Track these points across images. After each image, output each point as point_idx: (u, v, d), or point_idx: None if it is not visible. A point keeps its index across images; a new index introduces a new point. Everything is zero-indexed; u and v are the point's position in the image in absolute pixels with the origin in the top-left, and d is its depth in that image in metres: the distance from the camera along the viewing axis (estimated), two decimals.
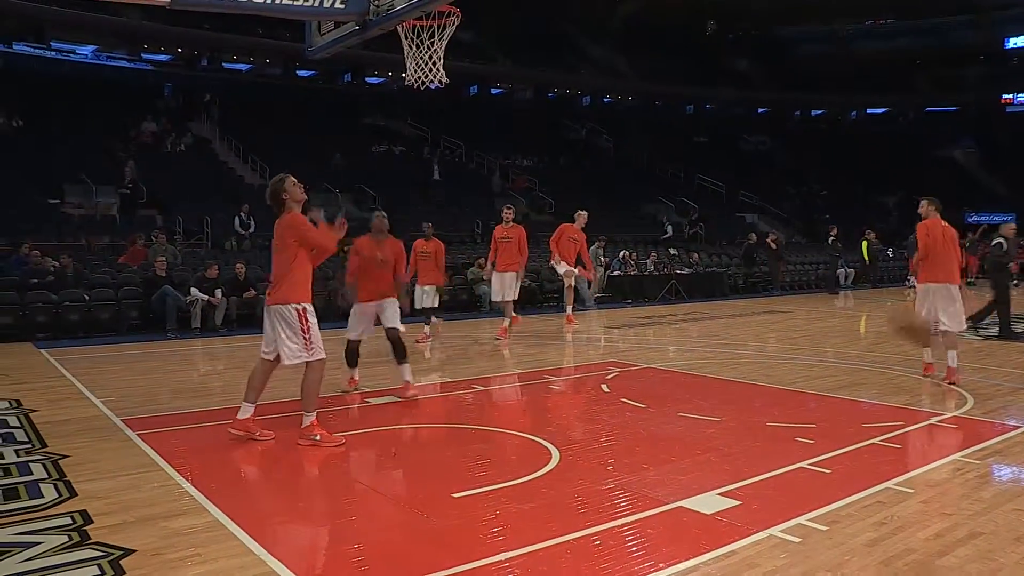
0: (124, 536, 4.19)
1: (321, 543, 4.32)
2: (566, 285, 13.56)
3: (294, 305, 6.01)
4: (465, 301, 17.82)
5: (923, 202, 8.88)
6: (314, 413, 6.08)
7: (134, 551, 3.99)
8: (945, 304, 8.57)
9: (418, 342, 11.74)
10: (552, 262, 13.45)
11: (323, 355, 6.14)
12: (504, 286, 12.30)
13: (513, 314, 12.49)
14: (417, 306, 11.85)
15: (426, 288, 12.06)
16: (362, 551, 4.08)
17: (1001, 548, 4.03)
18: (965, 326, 8.97)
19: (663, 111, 41.89)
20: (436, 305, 12.40)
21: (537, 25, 34.71)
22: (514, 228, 12.46)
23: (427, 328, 12.27)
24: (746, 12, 38.15)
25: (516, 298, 12.53)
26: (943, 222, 8.81)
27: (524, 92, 38.73)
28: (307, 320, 6.00)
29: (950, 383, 8.37)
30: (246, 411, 6.25)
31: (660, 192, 32.17)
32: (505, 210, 12.76)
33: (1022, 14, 37.97)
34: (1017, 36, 39.66)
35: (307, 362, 6.07)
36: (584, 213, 13.71)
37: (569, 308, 13.73)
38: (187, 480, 5.17)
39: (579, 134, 38.04)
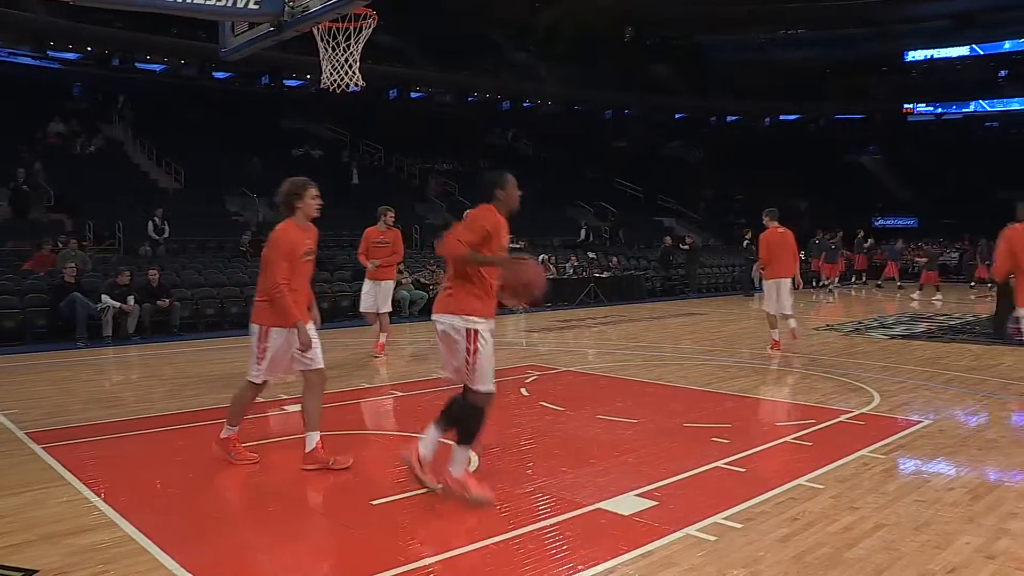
0: (26, 556, 4.02)
1: (238, 555, 4.22)
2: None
3: (257, 324, 5.57)
4: None
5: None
6: (236, 428, 5.79)
7: (36, 572, 3.84)
8: (786, 294, 11.05)
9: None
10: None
11: (265, 379, 5.66)
12: (379, 296, 11.08)
13: (381, 340, 11.20)
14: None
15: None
16: (281, 562, 4.01)
17: (903, 538, 4.20)
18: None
19: (583, 116, 42.31)
20: None
21: (458, 29, 34.65)
22: (391, 231, 11.16)
23: None
24: (665, 20, 38.86)
25: (391, 309, 11.48)
26: (780, 228, 11.25)
27: (444, 96, 38.63)
28: (265, 341, 5.52)
29: (793, 338, 11.40)
30: (311, 441, 5.66)
31: (580, 196, 32.49)
32: (386, 212, 11.09)
33: (919, 29, 39.80)
34: (916, 49, 41.46)
35: (248, 379, 5.68)
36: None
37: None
38: (97, 495, 5.00)
39: (499, 138, 38.15)
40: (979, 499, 4.84)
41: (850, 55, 41.06)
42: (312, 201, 5.61)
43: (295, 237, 5.54)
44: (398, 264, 12.00)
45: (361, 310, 11.44)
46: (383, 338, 11.22)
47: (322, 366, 5.68)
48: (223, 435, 5.76)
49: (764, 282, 11.45)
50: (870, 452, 5.86)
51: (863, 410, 7.34)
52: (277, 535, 4.43)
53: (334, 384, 9.06)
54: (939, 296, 19.82)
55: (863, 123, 43.84)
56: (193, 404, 7.89)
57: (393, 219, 11.22)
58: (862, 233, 27.89)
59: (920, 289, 21.12)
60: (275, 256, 5.46)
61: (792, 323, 11.32)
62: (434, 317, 4.91)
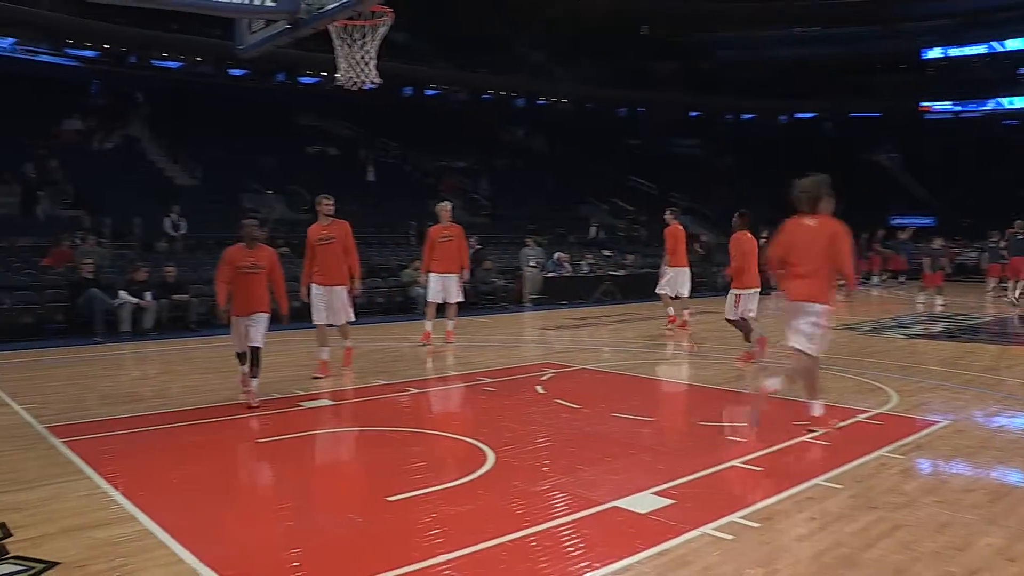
0: (47, 549, 4.05)
1: (256, 550, 4.23)
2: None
3: (824, 306, 6.19)
4: (400, 303, 17.72)
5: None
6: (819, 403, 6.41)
7: (58, 564, 3.87)
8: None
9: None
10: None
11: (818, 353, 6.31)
12: (446, 288, 11.76)
13: (449, 326, 12.02)
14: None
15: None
16: (298, 557, 4.02)
17: (922, 539, 4.16)
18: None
19: (597, 114, 42.27)
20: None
21: (472, 27, 34.67)
22: (454, 227, 11.89)
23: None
24: (678, 18, 38.72)
25: (461, 299, 12.05)
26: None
27: (459, 94, 38.67)
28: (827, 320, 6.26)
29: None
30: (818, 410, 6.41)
31: (594, 194, 32.45)
32: (443, 208, 11.97)
33: (936, 27, 39.53)
34: (932, 48, 41.15)
35: (812, 355, 6.24)
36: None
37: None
38: (116, 488, 5.02)
39: (514, 136, 38.13)
40: (999, 500, 4.79)
41: (865, 53, 40.80)
42: (832, 199, 6.29)
43: None
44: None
45: (429, 301, 11.94)
46: (449, 325, 12.02)
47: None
48: (817, 413, 6.38)
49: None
50: (888, 452, 5.81)
51: (881, 410, 7.29)
52: (293, 530, 4.45)
53: (354, 381, 9.09)
54: (941, 300, 18.81)
55: (879, 121, 43.53)
56: (209, 400, 7.92)
57: (450, 213, 11.86)
58: (881, 233, 27.64)
59: (922, 291, 20.22)
60: (848, 241, 6.18)
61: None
62: None
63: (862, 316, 16.36)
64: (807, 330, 6.16)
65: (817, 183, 6.27)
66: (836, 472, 5.31)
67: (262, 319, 7.67)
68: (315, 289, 9.20)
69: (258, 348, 7.57)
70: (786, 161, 40.33)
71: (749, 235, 10.29)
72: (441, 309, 11.99)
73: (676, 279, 13.34)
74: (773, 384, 6.35)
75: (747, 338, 10.38)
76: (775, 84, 41.18)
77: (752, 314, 10.34)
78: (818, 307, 6.15)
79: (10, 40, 28.10)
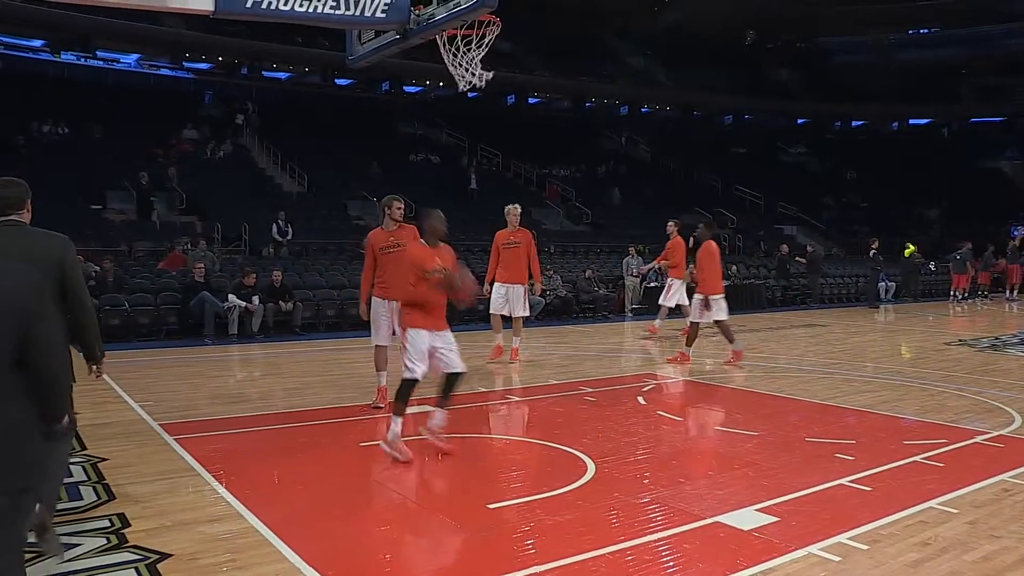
0: (161, 540, 4.22)
1: (355, 551, 4.31)
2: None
3: None
4: None
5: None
6: None
7: (171, 555, 4.03)
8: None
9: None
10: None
11: None
12: (511, 300, 10.69)
13: (515, 343, 10.89)
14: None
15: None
16: (395, 560, 4.07)
17: None
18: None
19: (701, 121, 41.68)
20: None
21: (576, 35, 34.73)
22: (521, 232, 10.83)
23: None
24: (786, 22, 37.86)
25: (527, 314, 11.00)
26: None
27: (561, 101, 38.75)
28: None
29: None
30: None
31: (698, 203, 31.95)
32: (512, 211, 10.71)
33: None
34: None
35: None
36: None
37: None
38: (223, 486, 5.20)
39: (617, 144, 37.91)
40: None
41: (989, 53, 38.86)
42: None
43: None
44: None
45: (492, 313, 11.04)
46: (515, 343, 10.94)
47: None
48: None
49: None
50: (1011, 477, 5.49)
51: (1002, 432, 6.91)
52: (394, 534, 4.51)
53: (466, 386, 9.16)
54: None
55: (1001, 126, 41.42)
56: (313, 403, 8.12)
57: (518, 217, 10.74)
58: (991, 248, 26.35)
59: None
60: None
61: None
62: None
63: (980, 332, 15.60)
64: None
65: None
66: (951, 496, 5.05)
67: (451, 336, 6.24)
68: (377, 303, 7.73)
69: (460, 374, 6.17)
70: (898, 168, 38.93)
71: (715, 244, 11.25)
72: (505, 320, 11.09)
73: (680, 291, 13.96)
74: None
75: (730, 339, 11.12)
76: (890, 89, 39.70)
77: (717, 318, 11.05)
78: None
79: (135, 56, 29.76)
